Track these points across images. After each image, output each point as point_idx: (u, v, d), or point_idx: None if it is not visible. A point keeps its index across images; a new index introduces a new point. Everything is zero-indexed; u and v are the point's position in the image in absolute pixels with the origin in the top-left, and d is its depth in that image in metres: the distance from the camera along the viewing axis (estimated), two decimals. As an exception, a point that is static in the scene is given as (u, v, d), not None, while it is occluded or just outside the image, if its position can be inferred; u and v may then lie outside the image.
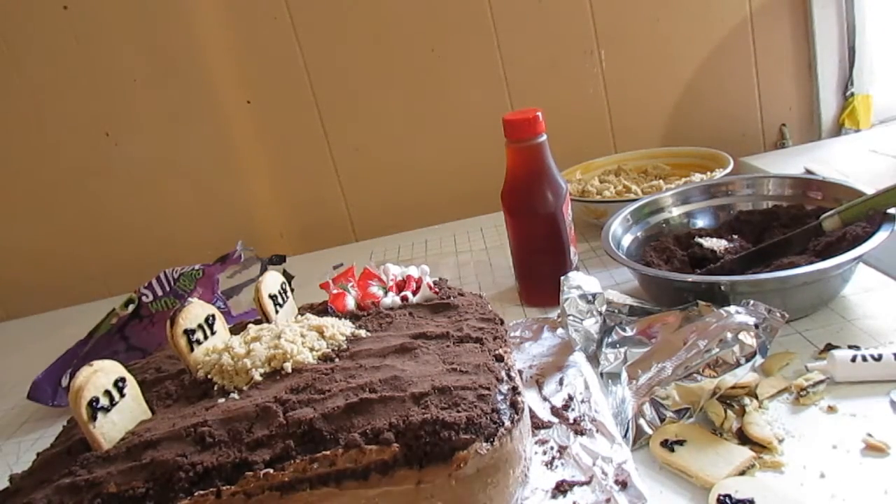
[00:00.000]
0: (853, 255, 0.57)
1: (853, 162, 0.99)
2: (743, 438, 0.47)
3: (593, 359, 0.59)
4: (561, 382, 0.56)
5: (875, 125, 1.13)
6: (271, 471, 0.39)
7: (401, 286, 0.60)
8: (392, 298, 0.58)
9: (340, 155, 1.15)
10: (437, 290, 0.58)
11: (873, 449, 0.44)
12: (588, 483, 0.44)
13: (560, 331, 0.64)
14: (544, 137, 0.71)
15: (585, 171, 1.05)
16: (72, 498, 0.39)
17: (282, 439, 0.40)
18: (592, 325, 0.60)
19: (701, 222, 0.78)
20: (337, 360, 0.47)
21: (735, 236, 0.72)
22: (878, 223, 0.60)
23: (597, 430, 0.49)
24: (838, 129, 1.15)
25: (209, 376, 0.48)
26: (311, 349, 0.48)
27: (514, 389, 0.43)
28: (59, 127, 1.11)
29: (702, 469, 0.44)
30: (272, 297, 0.55)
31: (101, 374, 0.43)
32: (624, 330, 0.60)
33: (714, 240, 0.71)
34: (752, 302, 0.52)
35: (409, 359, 0.46)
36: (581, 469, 0.46)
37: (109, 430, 0.43)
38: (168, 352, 0.56)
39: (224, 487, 0.39)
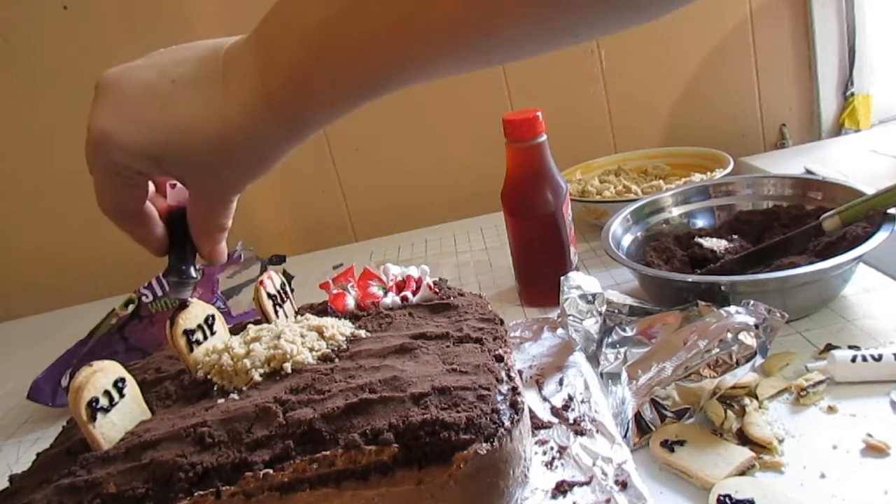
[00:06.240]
0: (853, 255, 0.57)
1: (853, 162, 0.99)
2: (743, 438, 0.47)
3: (593, 359, 0.59)
4: (561, 383, 0.56)
5: (875, 125, 1.13)
6: (271, 471, 0.39)
7: (401, 286, 0.60)
8: (392, 298, 0.58)
9: (340, 155, 1.15)
10: (436, 290, 0.58)
11: (873, 449, 0.44)
12: (588, 483, 0.44)
13: (560, 331, 0.64)
14: (544, 137, 0.71)
15: (585, 171, 1.05)
16: (71, 498, 0.39)
17: (281, 440, 0.40)
18: (592, 325, 0.60)
19: (701, 222, 0.78)
20: (337, 360, 0.47)
21: (735, 236, 0.72)
22: (878, 223, 0.60)
23: (597, 431, 0.49)
24: (838, 129, 1.14)
25: (209, 376, 0.48)
26: (311, 349, 0.48)
27: (514, 390, 0.43)
28: (59, 127, 1.11)
29: (702, 469, 0.44)
30: (272, 297, 0.55)
31: (100, 375, 0.42)
32: (624, 330, 0.60)
33: (714, 240, 0.71)
34: (752, 302, 0.52)
35: (409, 359, 0.46)
36: (581, 469, 0.46)
37: (109, 430, 0.42)
38: (168, 352, 0.56)
39: (224, 488, 0.38)
